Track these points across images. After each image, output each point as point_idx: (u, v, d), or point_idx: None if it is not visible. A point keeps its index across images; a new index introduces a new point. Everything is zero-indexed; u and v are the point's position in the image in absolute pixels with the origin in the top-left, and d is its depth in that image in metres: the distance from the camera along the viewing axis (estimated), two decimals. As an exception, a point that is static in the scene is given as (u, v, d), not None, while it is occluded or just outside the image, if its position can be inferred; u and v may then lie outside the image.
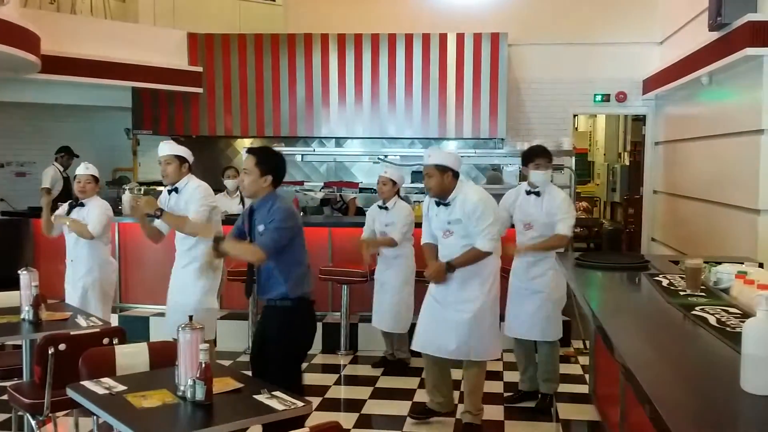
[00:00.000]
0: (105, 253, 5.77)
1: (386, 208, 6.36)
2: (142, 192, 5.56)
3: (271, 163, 4.07)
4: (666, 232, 10.19)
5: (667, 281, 3.98)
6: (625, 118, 13.16)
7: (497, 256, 4.97)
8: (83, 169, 5.76)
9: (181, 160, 5.23)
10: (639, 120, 11.76)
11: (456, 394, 5.39)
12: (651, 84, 10.21)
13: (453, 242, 4.86)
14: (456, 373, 5.23)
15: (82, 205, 5.71)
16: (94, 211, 5.65)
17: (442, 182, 4.78)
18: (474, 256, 4.78)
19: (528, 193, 5.39)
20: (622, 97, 10.73)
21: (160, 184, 7.48)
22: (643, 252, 10.41)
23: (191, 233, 5.14)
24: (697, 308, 3.31)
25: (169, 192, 5.29)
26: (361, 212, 9.41)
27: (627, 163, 13.40)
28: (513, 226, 5.57)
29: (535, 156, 5.40)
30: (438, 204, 4.89)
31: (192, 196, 5.19)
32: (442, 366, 5.10)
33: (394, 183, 6.36)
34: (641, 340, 3.02)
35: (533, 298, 5.41)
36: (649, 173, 10.89)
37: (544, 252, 5.33)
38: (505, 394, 5.84)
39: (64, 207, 5.86)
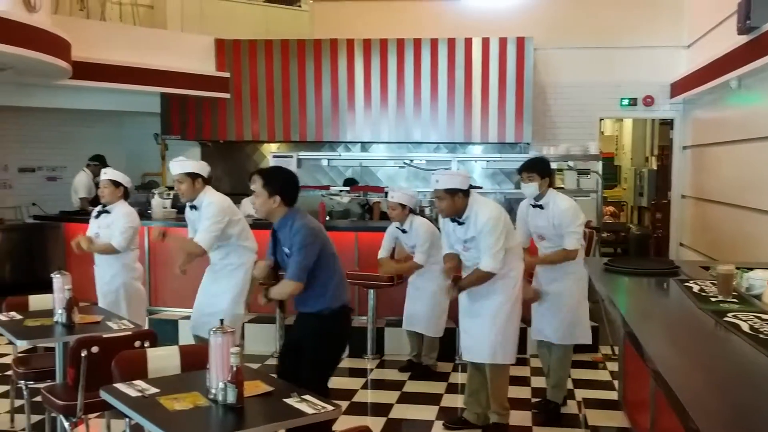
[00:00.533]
0: (130, 259, 5.77)
1: (404, 231, 6.37)
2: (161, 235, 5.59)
3: (277, 184, 4.08)
4: (695, 237, 10.10)
5: (698, 287, 3.95)
6: (653, 121, 13.05)
7: (520, 261, 4.99)
8: (102, 174, 5.83)
9: (193, 176, 5.25)
10: (666, 124, 11.66)
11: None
12: (679, 88, 10.14)
13: (474, 254, 4.90)
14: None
15: (108, 211, 5.75)
16: (118, 223, 5.65)
17: (453, 204, 4.82)
18: (479, 278, 4.81)
19: (533, 206, 5.41)
20: (649, 101, 10.67)
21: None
22: (671, 257, 10.33)
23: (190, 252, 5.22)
24: (729, 315, 3.28)
25: (191, 208, 5.35)
26: (385, 216, 9.42)
27: (654, 167, 13.29)
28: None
29: (523, 169, 5.40)
30: (453, 221, 4.92)
31: (203, 214, 5.23)
32: (483, 374, 5.11)
33: (403, 206, 6.32)
34: (673, 347, 3.00)
35: (550, 302, 5.45)
36: (677, 177, 10.80)
37: (556, 263, 5.34)
38: (533, 400, 5.81)
39: (94, 212, 5.93)
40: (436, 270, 6.32)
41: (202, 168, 5.34)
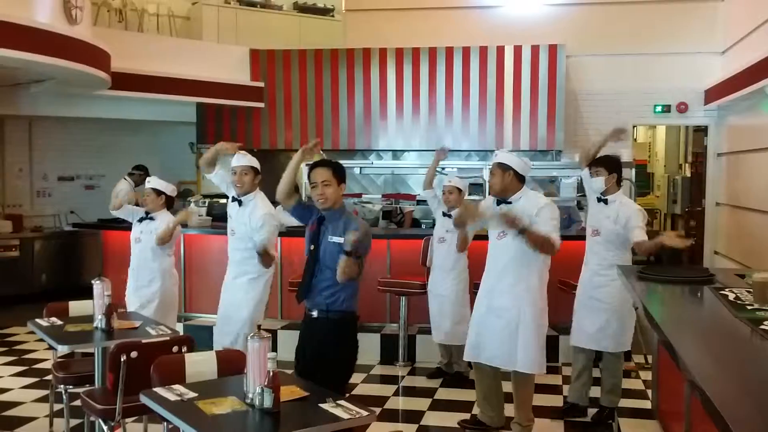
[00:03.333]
0: (167, 264, 5.90)
1: (449, 216, 6.31)
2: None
3: (343, 173, 4.13)
4: (729, 244, 9.97)
5: (734, 295, 3.92)
6: (686, 128, 12.93)
7: (546, 267, 4.94)
8: (146, 183, 5.96)
9: (256, 171, 5.43)
10: (701, 131, 11.54)
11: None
12: (713, 94, 10.04)
13: (506, 243, 4.81)
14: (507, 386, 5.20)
15: (152, 219, 5.87)
16: (161, 226, 5.79)
17: (502, 181, 4.82)
18: (545, 242, 4.67)
19: (599, 199, 5.43)
20: (683, 108, 10.57)
21: (222, 197, 7.66)
22: (705, 265, 10.21)
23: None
24: (765, 323, 3.26)
25: (233, 200, 5.42)
26: (416, 224, 9.45)
27: (688, 174, 13.16)
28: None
29: (592, 164, 5.43)
30: (498, 203, 4.88)
31: (265, 225, 5.30)
32: (493, 378, 5.11)
33: (460, 191, 6.36)
34: (709, 355, 2.99)
35: (597, 308, 5.38)
36: (712, 185, 10.68)
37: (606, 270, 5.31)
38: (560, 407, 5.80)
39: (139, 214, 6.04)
40: (457, 276, 6.34)
41: (259, 168, 5.50)
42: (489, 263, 5.02)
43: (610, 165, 5.38)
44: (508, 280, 4.86)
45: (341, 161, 9.46)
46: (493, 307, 4.91)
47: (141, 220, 5.94)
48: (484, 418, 5.20)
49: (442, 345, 6.64)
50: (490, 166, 4.96)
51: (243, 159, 5.44)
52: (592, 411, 5.59)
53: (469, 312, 6.27)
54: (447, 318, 6.43)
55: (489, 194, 5.15)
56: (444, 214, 6.43)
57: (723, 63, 10.09)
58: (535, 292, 4.86)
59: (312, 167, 4.17)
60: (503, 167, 4.82)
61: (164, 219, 5.83)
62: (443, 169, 9.34)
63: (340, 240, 3.99)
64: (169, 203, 5.97)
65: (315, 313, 4.08)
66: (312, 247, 4.13)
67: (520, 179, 4.86)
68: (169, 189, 5.94)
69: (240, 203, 5.42)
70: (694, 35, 10.37)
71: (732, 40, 9.64)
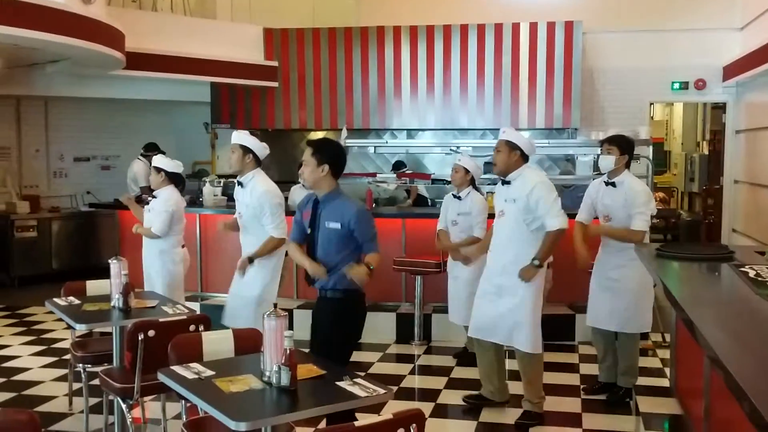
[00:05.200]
0: (166, 246, 5.84)
1: (459, 198, 6.26)
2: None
3: (325, 153, 4.09)
4: (748, 222, 9.89)
5: (754, 272, 3.88)
6: (704, 106, 12.80)
7: (546, 261, 4.91)
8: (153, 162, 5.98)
9: (245, 150, 5.23)
10: (719, 108, 11.42)
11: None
12: (732, 71, 9.91)
13: (504, 223, 4.92)
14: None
15: (155, 197, 5.90)
16: (156, 209, 5.79)
17: (507, 159, 4.87)
18: (552, 242, 4.77)
19: (606, 183, 5.34)
20: (701, 85, 10.45)
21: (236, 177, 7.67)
22: (724, 243, 10.13)
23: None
24: (786, 300, 3.22)
25: (238, 184, 5.37)
26: (423, 201, 9.44)
27: (706, 152, 13.04)
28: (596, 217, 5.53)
29: (605, 141, 5.42)
30: (503, 183, 4.94)
31: (264, 206, 5.20)
32: (495, 353, 5.17)
33: (467, 171, 6.24)
34: (730, 332, 2.96)
35: (613, 288, 5.34)
36: (730, 162, 10.58)
37: (616, 239, 5.26)
38: (582, 386, 5.79)
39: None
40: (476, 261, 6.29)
41: (259, 148, 5.31)
42: (492, 242, 5.09)
43: (624, 145, 5.32)
44: (507, 258, 4.91)
45: (355, 140, 9.58)
46: (492, 284, 5.00)
47: (149, 201, 6.00)
48: (485, 392, 5.28)
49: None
50: (497, 143, 4.98)
51: (235, 136, 5.35)
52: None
53: None
54: (464, 299, 6.38)
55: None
56: (454, 196, 6.35)
57: (742, 39, 9.95)
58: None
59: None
60: (511, 145, 4.87)
61: (161, 199, 5.81)
62: (458, 148, 9.28)
63: (337, 225, 4.05)
64: (176, 181, 5.92)
65: (321, 293, 4.18)
66: (309, 230, 4.16)
67: (525, 158, 4.89)
68: (170, 165, 5.89)
69: (242, 185, 5.33)
70: (713, 11, 10.23)
71: (751, 15, 9.50)
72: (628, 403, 5.43)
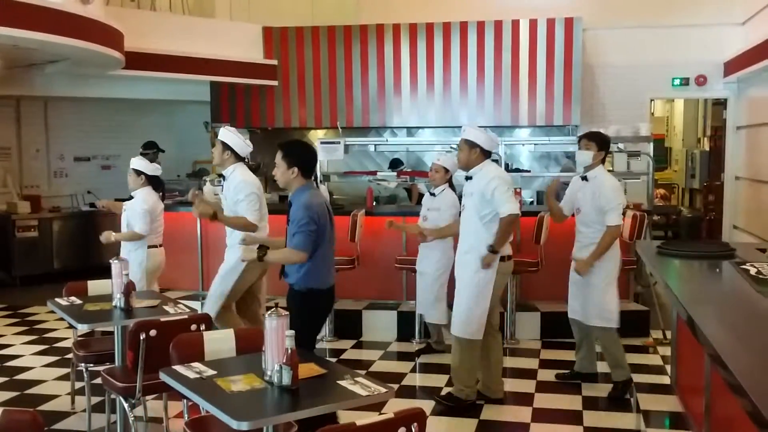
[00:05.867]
0: (140, 243, 5.96)
1: (434, 195, 6.38)
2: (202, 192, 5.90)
3: (296, 156, 4.29)
4: (749, 219, 9.89)
5: (755, 269, 3.89)
6: (705, 102, 12.78)
7: (501, 247, 5.09)
8: (130, 163, 6.08)
9: (224, 146, 5.47)
10: (720, 104, 11.40)
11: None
12: (733, 66, 9.90)
13: (465, 216, 5.20)
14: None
15: (132, 197, 6.03)
16: (135, 209, 5.91)
17: (468, 156, 5.10)
18: (505, 228, 5.01)
19: (582, 178, 5.54)
20: (702, 81, 10.44)
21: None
22: (724, 240, 10.13)
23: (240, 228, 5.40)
24: (787, 297, 3.23)
25: (219, 175, 5.64)
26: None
27: (707, 148, 13.02)
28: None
29: (584, 137, 5.63)
30: (467, 179, 5.19)
31: (237, 192, 5.39)
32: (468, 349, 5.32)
33: (446, 170, 6.33)
34: (731, 329, 2.96)
35: (582, 282, 5.54)
36: (731, 159, 10.57)
37: (604, 251, 5.36)
38: (556, 373, 5.97)
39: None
40: (439, 255, 6.32)
41: (240, 146, 5.50)
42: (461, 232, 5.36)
43: (601, 141, 5.53)
44: (462, 249, 5.24)
45: (355, 138, 9.59)
46: (455, 275, 5.30)
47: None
48: (455, 391, 5.40)
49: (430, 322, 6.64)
50: (460, 141, 5.22)
51: (220, 132, 5.56)
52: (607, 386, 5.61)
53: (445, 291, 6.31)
54: (429, 295, 6.41)
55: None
56: (430, 194, 6.45)
57: (743, 34, 9.94)
58: (475, 261, 5.09)
59: None
60: (470, 143, 5.07)
61: (137, 200, 5.95)
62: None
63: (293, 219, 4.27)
64: (155, 183, 6.06)
65: (290, 286, 4.42)
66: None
67: (485, 154, 5.09)
68: (150, 169, 6.07)
69: (224, 178, 5.58)
70: (713, 6, 10.21)
71: (752, 10, 9.49)
72: (628, 398, 5.45)
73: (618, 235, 5.41)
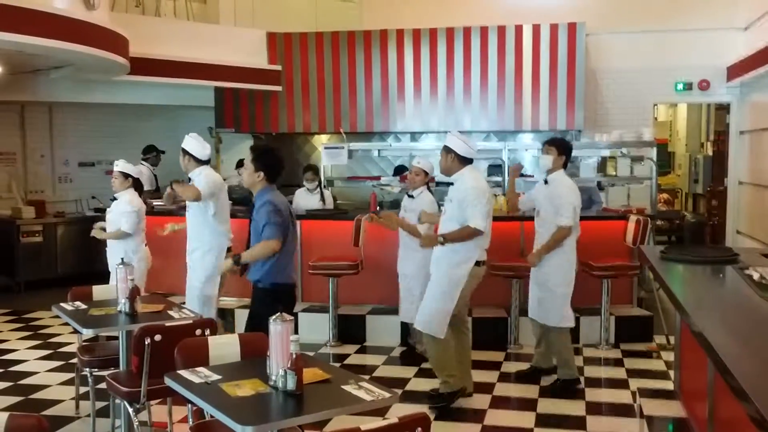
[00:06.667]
0: (134, 243, 6.21)
1: (412, 197, 6.45)
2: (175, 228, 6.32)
3: (262, 161, 4.60)
4: (752, 224, 9.88)
5: (759, 275, 3.88)
6: (708, 106, 12.79)
7: (478, 249, 5.23)
8: (114, 165, 6.32)
9: (185, 152, 5.82)
10: (723, 109, 11.41)
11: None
12: (736, 71, 9.91)
13: (444, 220, 5.34)
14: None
15: (116, 199, 6.26)
16: (122, 210, 6.15)
17: (445, 161, 5.26)
18: (464, 233, 5.13)
19: (543, 182, 5.83)
20: (705, 85, 10.45)
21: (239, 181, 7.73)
22: (728, 245, 10.12)
23: (187, 196, 5.78)
24: (790, 303, 3.22)
25: (188, 180, 5.91)
26: None
27: (710, 153, 13.03)
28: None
29: (545, 142, 5.92)
30: (448, 184, 5.37)
31: (199, 179, 5.75)
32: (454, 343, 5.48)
33: (426, 173, 6.44)
34: (734, 335, 2.96)
35: (538, 283, 5.88)
36: (734, 163, 10.58)
37: (554, 247, 5.69)
38: (518, 370, 6.22)
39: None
40: (422, 256, 6.28)
41: (200, 152, 5.82)
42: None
43: (561, 147, 5.81)
44: (438, 250, 5.32)
45: (359, 143, 9.64)
46: (431, 277, 5.43)
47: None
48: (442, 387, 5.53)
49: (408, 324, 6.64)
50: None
51: (184, 141, 5.88)
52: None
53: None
54: (412, 298, 6.37)
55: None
56: (408, 195, 6.53)
57: (746, 39, 9.95)
58: (448, 261, 5.24)
59: None
60: (446, 149, 5.23)
61: (123, 201, 6.20)
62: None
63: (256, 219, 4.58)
64: (138, 186, 6.37)
65: (254, 284, 4.71)
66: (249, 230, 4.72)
67: (462, 160, 5.21)
68: (136, 171, 6.38)
69: (190, 180, 5.86)
70: (716, 11, 10.23)
71: (755, 15, 9.50)
72: (574, 392, 5.71)
73: (567, 236, 5.68)
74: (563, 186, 5.71)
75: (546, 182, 5.79)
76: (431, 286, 5.36)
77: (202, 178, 5.78)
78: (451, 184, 5.37)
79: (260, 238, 4.55)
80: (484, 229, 5.14)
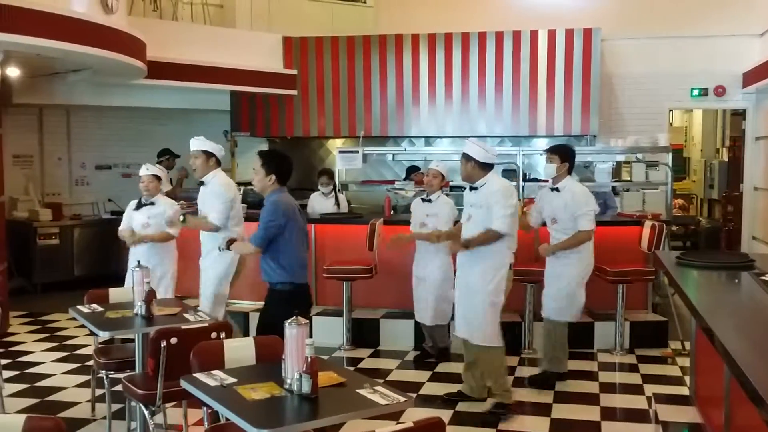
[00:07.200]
0: (172, 245, 6.24)
1: (430, 201, 6.47)
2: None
3: (273, 165, 4.66)
4: (768, 230, 9.82)
5: (775, 281, 3.87)
6: (724, 112, 12.72)
7: (506, 247, 5.22)
8: (144, 170, 6.20)
9: (208, 154, 5.74)
10: (738, 114, 11.35)
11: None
12: (752, 77, 9.86)
13: (471, 228, 5.26)
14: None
15: (153, 204, 6.13)
16: (170, 212, 6.10)
17: (465, 169, 5.27)
18: (488, 237, 5.13)
19: (551, 189, 5.82)
20: (720, 91, 10.40)
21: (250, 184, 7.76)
22: (743, 251, 10.06)
23: (205, 230, 5.75)
24: (807, 309, 3.21)
25: (199, 184, 5.84)
26: None
27: (725, 158, 12.95)
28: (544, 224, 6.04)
29: (547, 151, 5.99)
30: (471, 189, 5.31)
31: (213, 193, 5.69)
32: (470, 351, 5.48)
33: (443, 176, 6.49)
34: (750, 340, 2.95)
35: (549, 279, 5.95)
36: (750, 169, 10.51)
37: (569, 248, 5.75)
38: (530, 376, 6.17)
39: (131, 205, 6.27)
40: (441, 260, 6.37)
41: (218, 150, 5.82)
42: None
43: (564, 154, 5.83)
44: (469, 259, 5.27)
45: (374, 147, 9.65)
46: (460, 284, 5.39)
47: (139, 207, 6.19)
48: (465, 388, 5.58)
49: (426, 326, 6.70)
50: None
51: (195, 143, 5.79)
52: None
53: (453, 295, 6.31)
54: (432, 301, 6.46)
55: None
56: (423, 200, 6.54)
57: (762, 45, 9.90)
58: (490, 271, 5.20)
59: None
60: (466, 157, 5.23)
61: (167, 204, 6.17)
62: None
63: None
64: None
65: (270, 285, 4.75)
66: None
67: (483, 167, 5.20)
68: (164, 174, 6.36)
69: (203, 184, 5.81)
70: (732, 17, 10.17)
71: (771, 21, 9.45)
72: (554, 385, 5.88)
73: (589, 239, 5.75)
74: (577, 193, 5.74)
75: (558, 190, 5.79)
76: (471, 296, 5.28)
77: (215, 184, 5.76)
78: (464, 188, 5.39)
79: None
80: (508, 231, 5.13)
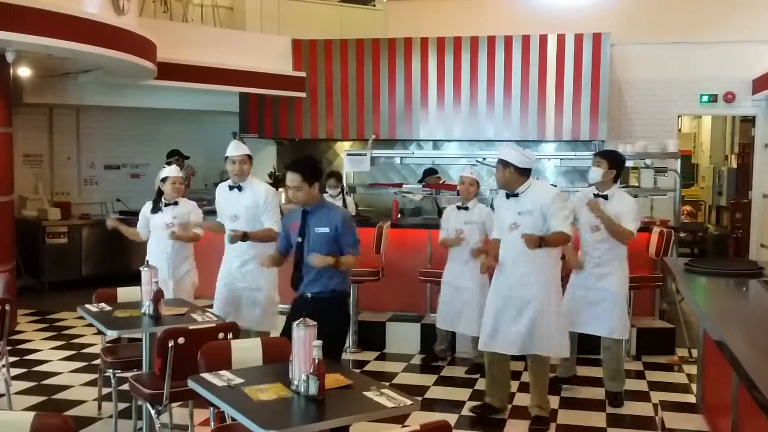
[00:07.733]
0: (193, 248, 6.14)
1: (466, 208, 6.38)
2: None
3: (314, 174, 4.48)
4: (777, 237, 9.79)
5: (783, 289, 3.86)
6: (733, 119, 12.69)
7: (558, 253, 5.14)
8: (174, 171, 6.09)
9: (251, 159, 5.57)
10: (748, 121, 11.32)
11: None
12: (761, 83, 9.83)
13: (516, 236, 4.97)
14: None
15: (176, 203, 5.99)
16: (196, 213, 6.06)
17: (503, 176, 5.03)
18: (562, 238, 5.00)
19: (596, 195, 5.63)
20: (730, 98, 10.37)
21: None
22: (752, 258, 10.02)
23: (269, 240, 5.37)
24: (816, 318, 3.20)
25: (231, 189, 5.54)
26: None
27: (734, 165, 12.91)
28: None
29: (596, 154, 5.80)
30: (508, 197, 5.09)
31: (267, 202, 5.46)
32: (507, 364, 5.37)
33: (478, 184, 6.46)
34: (759, 348, 2.95)
35: (598, 296, 5.69)
36: (759, 176, 10.48)
37: (613, 232, 5.54)
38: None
39: (147, 206, 6.12)
40: (477, 267, 6.25)
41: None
42: (503, 254, 5.17)
43: (613, 160, 5.63)
44: (522, 271, 5.04)
45: (382, 150, 9.62)
46: (512, 297, 5.08)
47: (156, 208, 6.03)
48: (494, 401, 5.42)
49: (444, 332, 6.70)
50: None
51: (242, 147, 5.57)
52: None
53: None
54: (471, 309, 6.29)
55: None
56: (459, 208, 6.45)
57: (772, 52, 9.87)
58: (550, 280, 5.07)
59: (286, 169, 4.54)
60: (503, 163, 5.02)
61: (192, 204, 6.09)
62: (484, 159, 9.31)
63: (326, 230, 4.44)
64: None
65: (309, 295, 4.53)
66: (300, 239, 4.52)
67: (522, 172, 5.01)
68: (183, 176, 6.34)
69: (240, 189, 5.50)
70: (742, 23, 10.15)
71: (782, 28, 9.42)
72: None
73: (629, 239, 5.57)
74: (628, 202, 5.60)
75: (605, 197, 5.57)
76: (546, 313, 5.04)
77: (262, 191, 5.49)
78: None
79: (323, 248, 4.41)
80: (570, 233, 5.10)
